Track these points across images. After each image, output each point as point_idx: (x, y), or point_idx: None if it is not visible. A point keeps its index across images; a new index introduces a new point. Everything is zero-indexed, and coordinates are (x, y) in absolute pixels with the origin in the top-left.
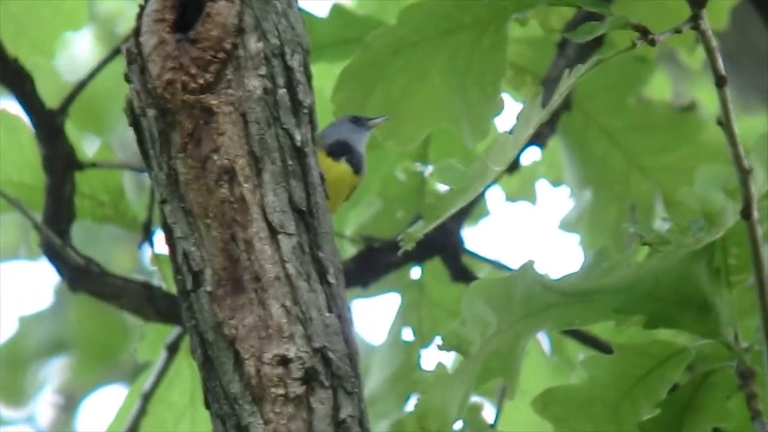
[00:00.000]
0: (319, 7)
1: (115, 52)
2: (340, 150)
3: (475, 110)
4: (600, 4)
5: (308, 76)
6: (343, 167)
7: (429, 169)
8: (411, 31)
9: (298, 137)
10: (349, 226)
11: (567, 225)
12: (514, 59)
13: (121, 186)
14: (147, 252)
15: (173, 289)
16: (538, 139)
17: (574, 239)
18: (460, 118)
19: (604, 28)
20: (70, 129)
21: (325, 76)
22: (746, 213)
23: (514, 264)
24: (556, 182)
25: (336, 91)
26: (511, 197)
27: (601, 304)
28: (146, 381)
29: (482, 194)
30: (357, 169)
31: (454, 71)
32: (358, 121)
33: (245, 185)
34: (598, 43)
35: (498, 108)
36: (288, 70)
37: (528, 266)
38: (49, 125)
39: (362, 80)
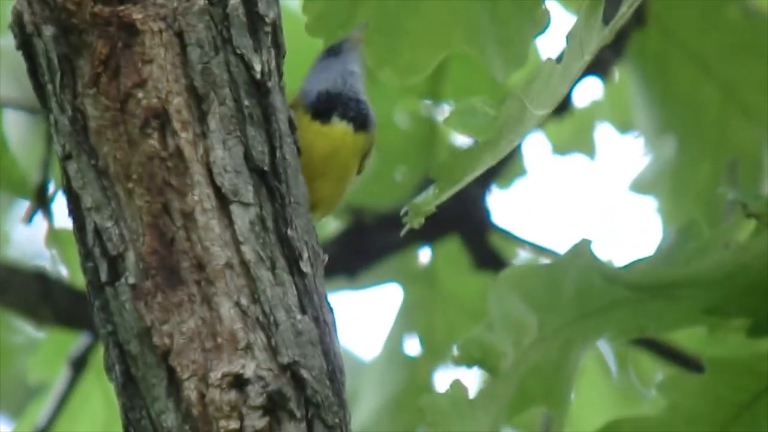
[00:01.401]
0: None
1: None
2: (327, 104)
3: (508, 27)
4: None
5: None
6: (338, 129)
7: (442, 112)
8: None
9: (257, 66)
10: None
11: (640, 187)
12: None
13: (3, 134)
14: (40, 227)
15: (80, 282)
16: (598, 68)
17: (649, 207)
18: (485, 39)
19: None
20: None
21: None
22: None
23: (562, 245)
24: (624, 128)
25: None
26: (561, 149)
27: (686, 301)
28: (41, 411)
29: (518, 147)
30: (360, 123)
31: None
32: (336, 50)
33: (183, 135)
34: None
35: (541, 23)
36: None
37: (582, 248)
38: None
39: None
